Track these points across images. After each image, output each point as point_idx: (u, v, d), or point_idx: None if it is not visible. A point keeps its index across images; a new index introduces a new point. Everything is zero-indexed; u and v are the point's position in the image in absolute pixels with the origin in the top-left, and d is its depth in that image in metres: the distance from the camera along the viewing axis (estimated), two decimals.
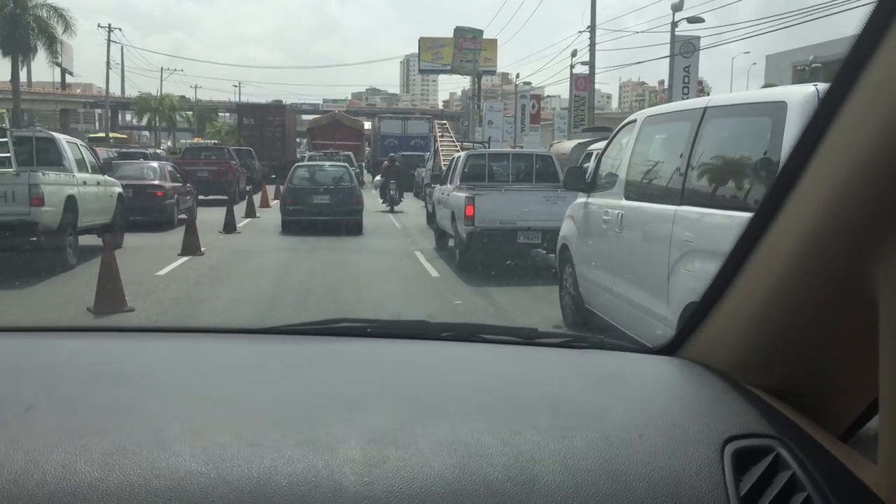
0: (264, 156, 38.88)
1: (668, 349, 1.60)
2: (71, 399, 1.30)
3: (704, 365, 1.47)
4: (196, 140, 55.84)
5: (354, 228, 18.05)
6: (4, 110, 13.57)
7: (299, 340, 1.81)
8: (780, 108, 4.42)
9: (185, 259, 12.96)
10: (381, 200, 25.35)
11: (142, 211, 17.05)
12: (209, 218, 17.58)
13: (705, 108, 5.40)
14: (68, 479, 1.01)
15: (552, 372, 1.57)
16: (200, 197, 21.99)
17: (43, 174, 11.58)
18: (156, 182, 18.28)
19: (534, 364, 1.63)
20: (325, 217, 17.75)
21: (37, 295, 9.78)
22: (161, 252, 13.50)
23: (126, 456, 1.06)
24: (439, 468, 1.06)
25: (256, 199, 24.00)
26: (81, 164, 13.21)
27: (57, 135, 13.75)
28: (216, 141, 52.97)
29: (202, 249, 13.66)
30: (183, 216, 17.44)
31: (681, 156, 5.55)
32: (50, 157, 12.45)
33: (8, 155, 11.25)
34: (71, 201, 12.13)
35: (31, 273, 10.76)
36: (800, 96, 4.36)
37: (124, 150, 33.95)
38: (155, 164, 20.40)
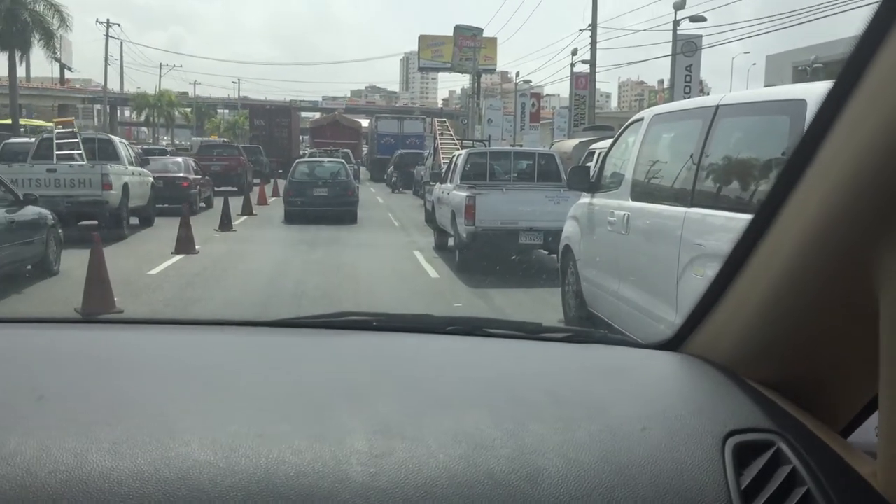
0: (272, 153, 42.10)
1: (671, 344, 1.60)
2: (80, 389, 1.32)
3: (706, 360, 1.47)
4: (213, 137, 60.86)
5: (350, 217, 20.16)
6: (73, 118, 18.54)
7: (305, 333, 1.83)
8: (799, 106, 4.22)
9: (178, 258, 12.68)
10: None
11: (170, 199, 19.69)
12: (211, 212, 18.46)
13: (717, 107, 5.19)
14: (80, 468, 1.02)
15: (556, 366, 1.59)
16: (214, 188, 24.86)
17: (110, 166, 15.30)
18: (181, 174, 21.27)
19: (537, 358, 1.65)
20: (323, 207, 19.77)
21: (24, 296, 9.61)
22: (155, 249, 13.28)
23: (136, 445, 1.07)
24: (444, 460, 1.07)
25: (254, 195, 23.71)
26: (129, 159, 17.03)
27: (113, 136, 18.56)
28: (225, 139, 57.38)
29: (196, 248, 13.37)
30: (202, 204, 21.39)
31: (691, 156, 5.35)
32: (108, 153, 16.32)
33: (80, 151, 15.70)
34: (126, 187, 15.75)
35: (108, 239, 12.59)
36: (821, 94, 4.14)
37: (146, 147, 38.44)
38: (180, 158, 23.58)
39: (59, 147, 15.76)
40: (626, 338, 1.85)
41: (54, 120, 19.03)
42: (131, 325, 2.01)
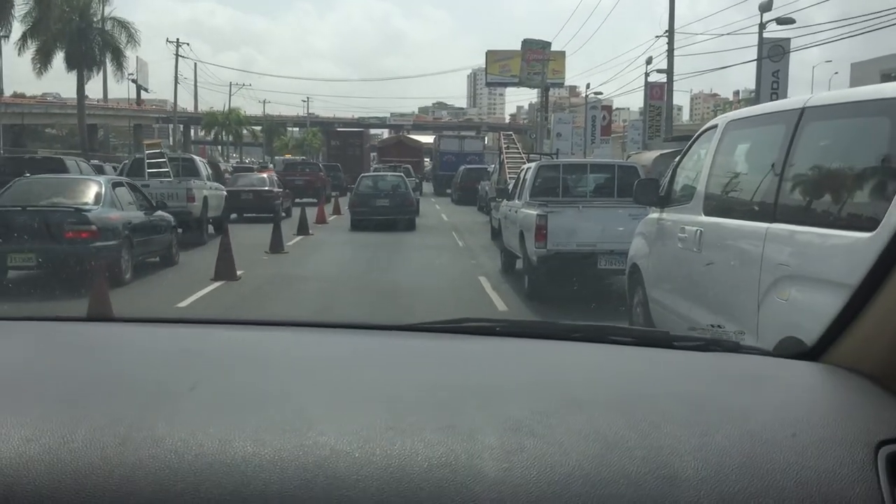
0: (346, 169, 46.40)
1: (810, 355, 1.56)
2: (225, 381, 1.42)
3: (852, 370, 1.43)
4: (287, 156, 67.28)
5: (409, 224, 22.44)
6: (160, 140, 22.26)
7: (428, 337, 1.86)
8: None
9: (217, 285, 11.75)
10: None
11: (258, 209, 23.98)
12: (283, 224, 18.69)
13: (803, 109, 4.59)
14: (224, 452, 1.07)
15: (688, 373, 1.55)
16: (297, 200, 28.63)
17: (192, 181, 18.29)
18: (267, 188, 25.24)
19: (668, 365, 1.61)
20: (385, 217, 21.95)
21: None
22: (199, 272, 12.66)
23: (276, 433, 1.11)
24: (577, 458, 1.06)
25: (311, 214, 23.19)
26: (207, 175, 19.91)
27: (194, 156, 22.92)
28: (304, 157, 64.76)
29: (238, 274, 12.39)
30: (284, 214, 24.03)
31: (773, 165, 4.76)
32: (190, 170, 19.08)
33: (167, 170, 18.37)
34: (205, 199, 18.58)
35: (190, 244, 16.19)
36: None
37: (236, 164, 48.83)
38: (265, 174, 28.03)
39: (150, 166, 18.44)
40: (759, 347, 1.82)
41: (145, 142, 22.75)
42: (270, 327, 2.08)
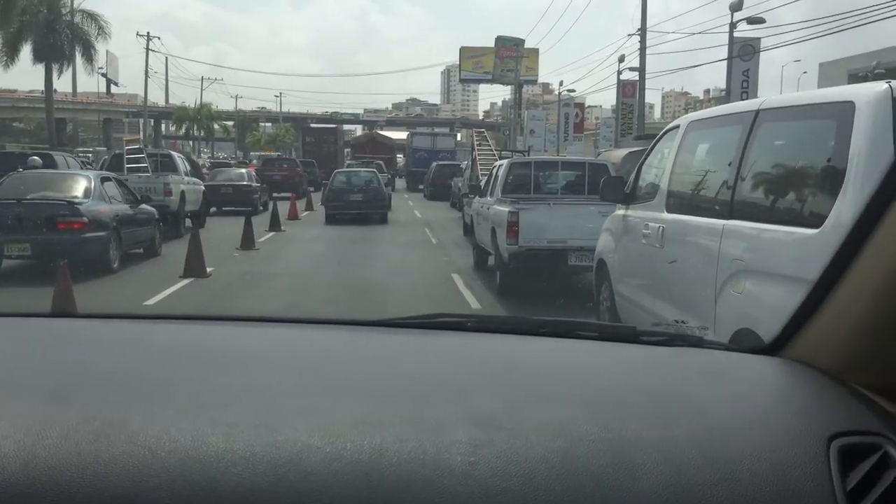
0: (321, 165, 47.30)
1: (770, 349, 1.60)
2: (197, 377, 1.43)
3: (809, 365, 1.46)
4: (267, 151, 68.61)
5: (381, 218, 23.60)
6: (138, 136, 26.49)
7: (399, 332, 1.89)
8: (846, 109, 3.84)
9: (185, 282, 11.61)
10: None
11: (237, 202, 25.38)
12: (257, 219, 19.11)
13: (758, 111, 4.82)
14: (197, 448, 1.07)
15: (652, 368, 1.58)
16: (274, 194, 29.16)
17: (170, 176, 18.69)
18: (245, 182, 26.75)
19: (633, 360, 1.65)
20: (358, 211, 23.12)
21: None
22: (168, 268, 12.62)
23: (248, 428, 1.12)
24: (542, 451, 1.08)
25: (284, 210, 23.07)
26: (185, 171, 20.42)
27: (173, 152, 23.32)
28: (280, 153, 66.66)
29: (208, 271, 12.21)
30: (261, 208, 25.71)
31: (730, 164, 4.99)
32: (168, 166, 19.63)
33: (146, 165, 18.79)
34: (183, 194, 19.11)
35: (168, 237, 16.23)
36: (870, 95, 3.77)
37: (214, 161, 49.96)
38: (243, 170, 29.48)
39: (129, 161, 18.94)
40: (722, 343, 1.86)
41: (125, 139, 23.77)
42: (241, 323, 2.09)
